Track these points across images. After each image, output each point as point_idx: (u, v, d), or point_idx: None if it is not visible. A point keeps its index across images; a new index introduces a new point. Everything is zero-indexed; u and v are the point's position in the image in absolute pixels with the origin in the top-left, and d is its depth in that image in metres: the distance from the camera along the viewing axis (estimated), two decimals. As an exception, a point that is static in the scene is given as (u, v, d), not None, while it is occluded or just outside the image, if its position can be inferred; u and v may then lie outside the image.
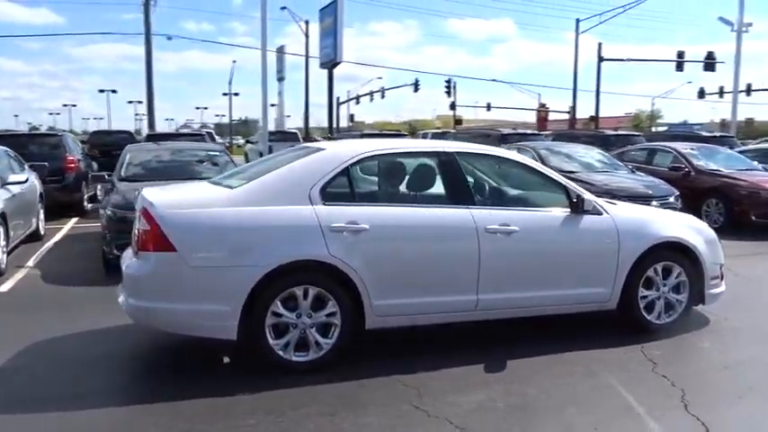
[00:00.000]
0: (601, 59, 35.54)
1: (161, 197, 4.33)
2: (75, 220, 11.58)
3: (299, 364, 4.27)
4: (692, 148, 12.30)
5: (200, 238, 4.15)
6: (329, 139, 16.67)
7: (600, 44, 35.63)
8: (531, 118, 65.63)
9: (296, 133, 29.14)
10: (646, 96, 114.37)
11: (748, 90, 49.55)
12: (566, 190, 4.99)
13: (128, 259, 4.55)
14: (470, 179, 4.91)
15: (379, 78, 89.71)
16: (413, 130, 48.40)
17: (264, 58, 18.05)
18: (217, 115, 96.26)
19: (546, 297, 4.86)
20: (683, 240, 5.19)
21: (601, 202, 5.08)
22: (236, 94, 75.40)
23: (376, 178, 4.87)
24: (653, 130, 51.13)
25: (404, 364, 4.41)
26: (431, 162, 4.84)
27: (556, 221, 4.88)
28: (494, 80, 57.50)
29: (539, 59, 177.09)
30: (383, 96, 60.21)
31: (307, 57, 37.35)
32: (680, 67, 37.72)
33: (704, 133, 19.98)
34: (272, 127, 30.84)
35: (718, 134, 19.46)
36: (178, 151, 9.34)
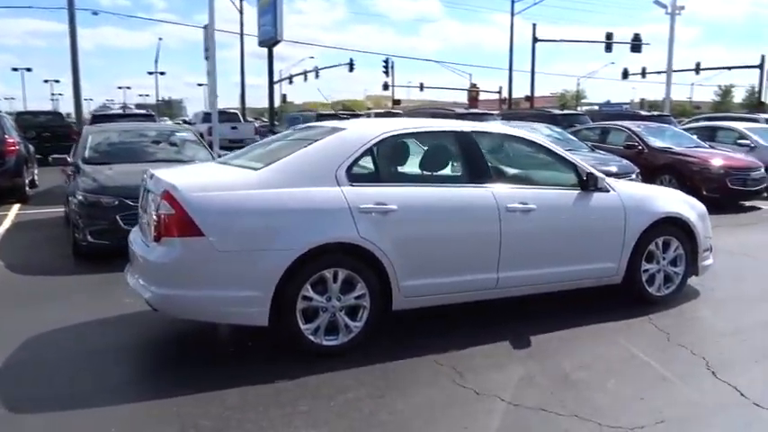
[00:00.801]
0: (535, 40, 36.32)
1: (182, 180, 4.12)
2: (17, 206, 10.91)
3: (329, 348, 4.20)
4: (643, 127, 12.78)
5: (230, 222, 3.99)
6: (322, 117, 16.28)
7: (534, 25, 36.41)
8: (462, 98, 66.47)
9: (236, 113, 28.46)
10: (571, 77, 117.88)
11: (668, 71, 51.74)
12: (575, 168, 5.08)
13: (141, 244, 4.33)
14: (487, 158, 4.92)
15: (312, 58, 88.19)
16: (347, 109, 47.90)
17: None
18: (141, 95, 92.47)
19: (559, 273, 4.96)
20: (681, 215, 5.40)
21: (609, 179, 5.21)
22: (163, 73, 72.56)
23: (399, 158, 4.80)
24: (578, 109, 52.90)
25: (431, 344, 4.40)
26: (451, 141, 4.82)
27: (569, 199, 4.97)
28: (427, 60, 57.92)
29: (467, 40, 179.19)
30: (317, 76, 59.55)
31: (242, 34, 36.42)
32: (609, 48, 39.04)
33: (643, 112, 20.82)
34: (202, 107, 29.87)
35: (656, 113, 20.30)
36: (144, 133, 8.92)
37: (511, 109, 36.02)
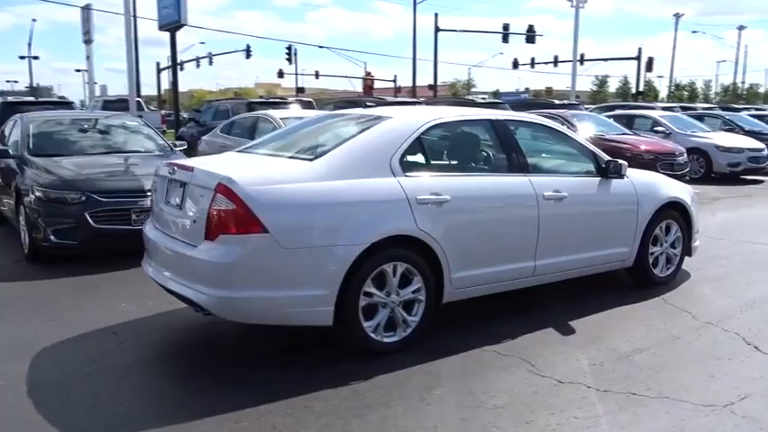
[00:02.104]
0: (437, 30, 36.94)
1: (237, 172, 3.79)
2: None
3: (389, 345, 4.05)
4: (575, 115, 13.35)
5: (294, 217, 3.73)
6: (255, 105, 15.50)
7: (436, 15, 37.02)
8: (357, 86, 66.59)
9: (140, 102, 26.80)
10: (462, 65, 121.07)
11: (555, 61, 54.59)
12: (594, 155, 5.20)
13: (179, 242, 3.95)
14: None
15: (202, 44, 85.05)
16: (239, 96, 46.29)
17: (132, 27, 16.28)
18: (8, 81, 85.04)
19: (584, 259, 5.07)
20: (681, 199, 5.68)
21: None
22: (36, 58, 66.97)
23: (444, 146, 4.68)
24: (467, 98, 54.53)
25: (478, 334, 4.37)
26: (490, 130, 4.77)
27: (593, 186, 5.08)
28: (321, 47, 57.39)
29: (354, 28, 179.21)
30: (211, 62, 57.59)
31: (135, 16, 34.29)
32: (506, 38, 40.47)
33: (556, 101, 21.77)
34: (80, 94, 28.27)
35: (566, 102, 21.28)
36: (93, 122, 8.18)
37: (414, 97, 36.46)
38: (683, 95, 74.69)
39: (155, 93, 56.45)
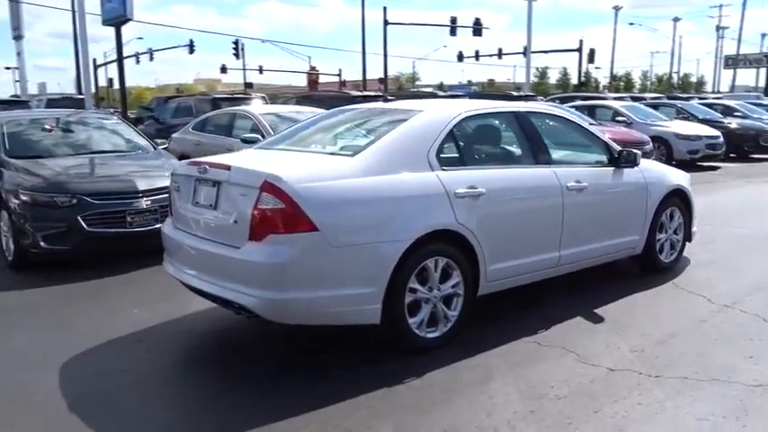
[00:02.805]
0: (386, 23, 36.90)
1: (282, 170, 3.67)
2: None
3: (432, 341, 4.03)
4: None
5: (342, 214, 3.65)
6: (219, 101, 15.05)
7: (385, 8, 36.96)
8: (299, 81, 66.20)
9: (83, 99, 25.80)
10: (408, 58, 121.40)
11: (500, 54, 55.46)
12: (607, 145, 5.29)
13: (215, 244, 3.81)
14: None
15: (140, 39, 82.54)
16: (180, 93, 45.02)
17: (84, 23, 15.63)
18: None
19: (601, 248, 5.15)
20: (683, 187, 5.85)
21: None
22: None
23: (474, 139, 4.65)
24: (411, 90, 54.75)
25: (514, 327, 4.39)
26: (513, 122, 4.78)
27: (608, 176, 5.17)
28: (264, 41, 56.31)
29: (294, 22, 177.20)
30: (152, 58, 55.94)
31: (75, 11, 32.93)
32: (453, 31, 40.81)
33: (513, 93, 22.09)
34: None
35: (523, 93, 21.61)
36: (69, 121, 7.80)
37: (343, 91, 36.32)
38: (620, 86, 77.17)
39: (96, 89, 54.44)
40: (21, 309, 5.11)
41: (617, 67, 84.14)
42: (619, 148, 5.31)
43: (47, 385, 3.66)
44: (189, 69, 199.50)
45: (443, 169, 4.09)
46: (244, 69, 46.68)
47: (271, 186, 3.54)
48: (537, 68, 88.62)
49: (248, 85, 47.76)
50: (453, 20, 40.01)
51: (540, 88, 74.52)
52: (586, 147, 5.30)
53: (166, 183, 6.56)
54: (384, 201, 3.80)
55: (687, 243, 6.04)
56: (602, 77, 74.84)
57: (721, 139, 14.37)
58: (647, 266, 5.69)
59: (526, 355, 3.96)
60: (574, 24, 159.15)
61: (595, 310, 4.74)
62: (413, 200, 3.89)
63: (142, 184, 6.40)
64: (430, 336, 4.02)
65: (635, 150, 5.28)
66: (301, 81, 69.79)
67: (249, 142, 8.71)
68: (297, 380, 3.69)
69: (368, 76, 41.24)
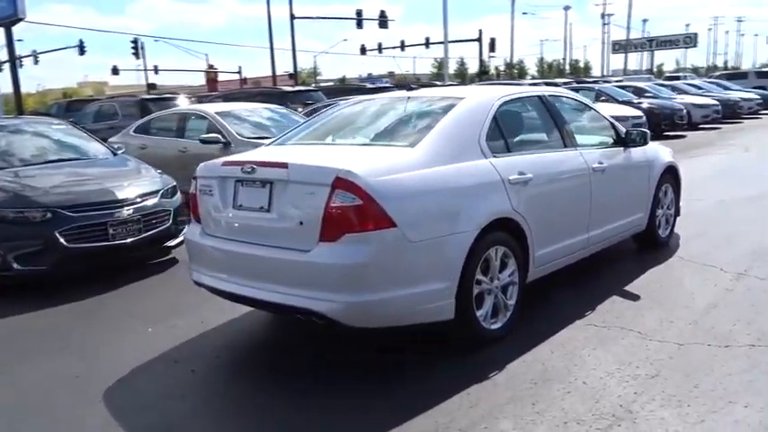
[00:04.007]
0: (293, 17, 36.31)
1: (352, 164, 3.44)
2: None
3: (495, 333, 3.94)
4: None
5: (416, 207, 3.49)
6: (149, 102, 14.11)
7: (291, 2, 36.35)
8: (194, 80, 64.15)
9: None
10: (308, 52, 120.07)
11: (402, 46, 56.09)
12: (614, 126, 5.39)
13: (269, 248, 3.55)
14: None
15: (20, 41, 77.18)
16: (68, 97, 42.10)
17: None
18: None
19: (617, 227, 5.25)
20: (674, 163, 6.07)
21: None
22: None
23: (512, 125, 4.55)
24: (313, 85, 54.17)
25: (554, 311, 4.42)
26: (541, 105, 4.77)
27: (620, 156, 5.27)
28: (158, 39, 53.95)
29: (181, 19, 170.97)
30: (36, 61, 52.48)
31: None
32: (360, 24, 40.79)
33: (438, 83, 22.29)
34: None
35: (448, 84, 21.86)
36: (19, 128, 7.06)
37: (276, 86, 35.65)
38: (515, 74, 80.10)
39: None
40: (21, 337, 4.56)
41: (509, 55, 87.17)
42: (624, 129, 5.42)
43: (98, 421, 3.27)
44: (74, 72, 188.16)
45: (495, 156, 4.01)
46: (145, 69, 44.44)
47: (345, 182, 3.32)
48: (436, 59, 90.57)
49: (151, 86, 45.57)
50: (359, 12, 40.03)
51: (439, 78, 76.11)
52: (597, 128, 5.38)
53: (147, 189, 6.16)
54: (451, 191, 3.67)
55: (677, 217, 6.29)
56: (497, 66, 77.18)
57: (644, 119, 15.15)
58: (648, 243, 5.87)
59: (591, 338, 3.96)
60: (470, 15, 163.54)
61: (626, 288, 4.83)
62: (475, 189, 3.79)
63: (121, 193, 5.91)
64: (493, 327, 3.94)
65: (644, 130, 5.41)
66: (197, 80, 67.64)
67: (209, 143, 8.32)
68: (375, 384, 3.52)
69: (269, 73, 40.41)
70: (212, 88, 49.29)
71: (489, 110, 4.17)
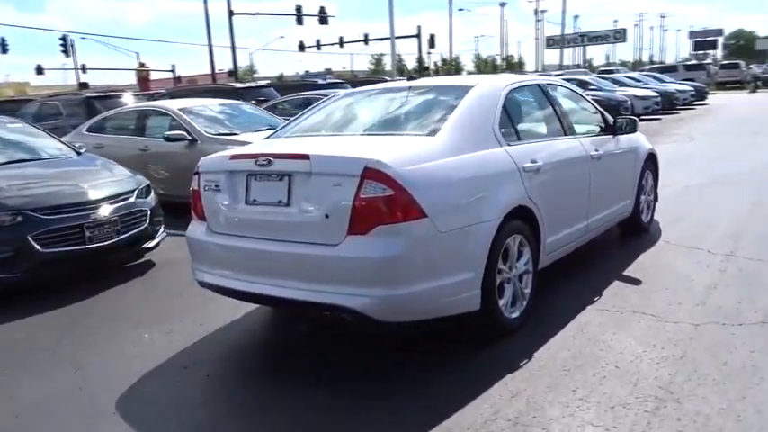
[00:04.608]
0: (231, 13, 35.55)
1: (381, 154, 3.32)
2: None
3: (515, 322, 3.92)
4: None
5: (444, 197, 3.41)
6: (92, 99, 13.39)
7: (229, -1, 35.51)
8: (125, 79, 62.22)
9: None
10: (245, 49, 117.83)
11: (341, 42, 55.86)
12: (602, 114, 5.45)
13: (314, 244, 3.37)
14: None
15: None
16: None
17: None
18: None
19: (610, 214, 5.32)
20: (654, 151, 6.21)
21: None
22: None
23: (518, 113, 4.51)
24: (248, 84, 53.07)
25: (562, 298, 4.45)
26: (542, 94, 4.76)
27: (611, 143, 5.33)
28: (85, 36, 51.89)
29: (104, 16, 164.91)
30: (-46, 60, 49.57)
31: None
32: (300, 20, 40.33)
33: (387, 78, 22.21)
34: None
35: (397, 78, 21.79)
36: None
37: (215, 84, 34.85)
38: (452, 69, 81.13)
39: None
40: (4, 352, 4.23)
41: (445, 52, 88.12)
42: (609, 117, 5.50)
43: (123, 433, 3.06)
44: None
45: (509, 144, 3.98)
46: (75, 69, 42.65)
47: (375, 172, 3.20)
48: (373, 56, 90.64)
49: (83, 85, 43.74)
50: (299, 9, 39.56)
51: (377, 74, 76.21)
52: (587, 115, 5.43)
53: (121, 188, 5.86)
54: (476, 180, 3.61)
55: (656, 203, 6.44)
56: (435, 62, 77.95)
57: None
58: (632, 229, 5.98)
59: (608, 323, 3.98)
60: (406, 11, 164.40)
61: (624, 273, 4.90)
62: (496, 177, 3.75)
63: (96, 193, 5.60)
64: (513, 316, 3.90)
65: (633, 117, 5.50)
66: (127, 79, 65.36)
67: (174, 140, 8.00)
68: (409, 378, 3.42)
69: (203, 71, 39.51)
70: (145, 87, 47.66)
71: (499, 98, 4.14)
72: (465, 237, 3.47)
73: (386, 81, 18.71)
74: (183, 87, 23.31)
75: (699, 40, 79.35)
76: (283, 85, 17.85)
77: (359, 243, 3.23)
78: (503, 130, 4.03)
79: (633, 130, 5.43)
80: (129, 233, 5.70)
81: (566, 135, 4.73)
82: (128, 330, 4.42)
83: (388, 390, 3.32)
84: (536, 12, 63.74)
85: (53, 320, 4.69)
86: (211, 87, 16.02)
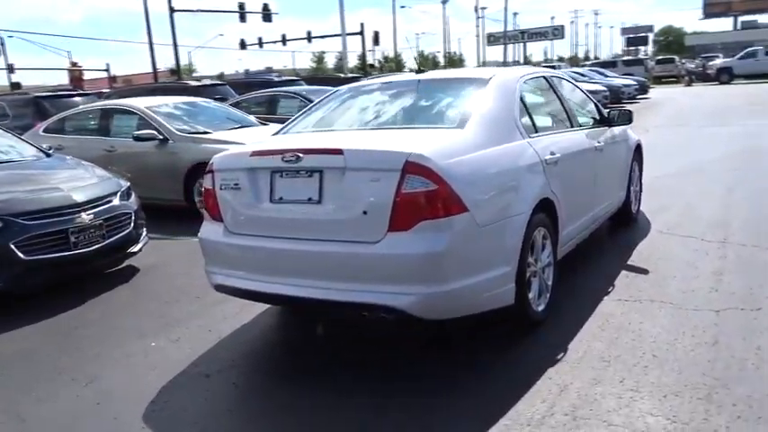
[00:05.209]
0: (172, 10, 34.58)
1: (421, 147, 3.21)
2: None
3: (542, 314, 3.90)
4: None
5: (483, 190, 3.36)
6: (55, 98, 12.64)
7: (170, -6, 34.53)
8: (57, 79, 59.80)
9: None
10: (184, 47, 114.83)
11: (284, 40, 55.21)
12: (597, 106, 5.50)
13: (352, 242, 3.24)
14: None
15: None
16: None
17: None
18: None
19: (608, 205, 5.39)
20: (640, 142, 6.33)
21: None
22: None
23: (532, 105, 4.46)
24: (204, 82, 51.85)
25: (584, 292, 4.45)
26: (548, 86, 4.75)
27: (608, 135, 5.38)
28: (12, 35, 49.44)
29: (28, 14, 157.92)
30: None
31: None
32: (243, 18, 39.62)
33: (342, 75, 22.02)
34: None
35: (356, 75, 21.66)
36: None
37: (169, 82, 33.81)
38: (392, 67, 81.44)
39: None
40: (1, 366, 3.94)
41: (387, 49, 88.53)
42: (602, 108, 5.55)
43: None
44: None
45: (530, 136, 3.95)
46: (8, 69, 40.57)
47: (417, 166, 3.10)
48: (314, 53, 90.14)
49: (15, 86, 41.66)
50: (242, 6, 38.84)
51: (318, 72, 75.84)
52: (587, 108, 5.47)
53: (103, 191, 5.57)
54: (508, 172, 3.57)
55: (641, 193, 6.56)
56: (378, 59, 78.03)
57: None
58: (622, 219, 6.07)
59: (630, 313, 4.00)
60: (347, 8, 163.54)
61: (630, 263, 4.96)
62: (525, 170, 3.71)
63: (78, 196, 5.29)
64: (540, 309, 3.88)
65: (627, 109, 5.57)
66: (59, 79, 62.80)
67: (144, 140, 7.69)
68: (442, 380, 3.34)
69: (138, 70, 38.23)
70: (78, 86, 45.96)
71: (515, 89, 4.10)
72: (501, 230, 3.42)
73: (359, 79, 18.43)
74: (131, 86, 22.48)
75: (631, 36, 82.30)
76: (239, 82, 17.41)
77: (401, 240, 3.13)
78: (522, 121, 4.00)
79: (628, 121, 5.50)
80: (115, 237, 5.41)
81: (572, 126, 4.75)
82: (132, 340, 4.19)
83: (435, 389, 3.24)
84: (476, 9, 64.59)
85: (47, 331, 4.41)
86: (163, 86, 15.46)
